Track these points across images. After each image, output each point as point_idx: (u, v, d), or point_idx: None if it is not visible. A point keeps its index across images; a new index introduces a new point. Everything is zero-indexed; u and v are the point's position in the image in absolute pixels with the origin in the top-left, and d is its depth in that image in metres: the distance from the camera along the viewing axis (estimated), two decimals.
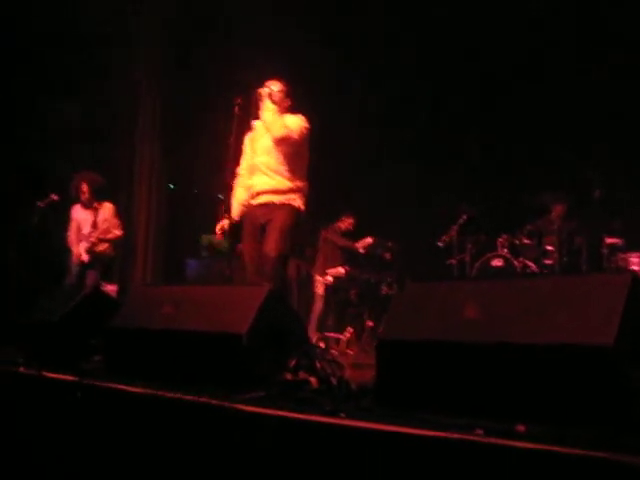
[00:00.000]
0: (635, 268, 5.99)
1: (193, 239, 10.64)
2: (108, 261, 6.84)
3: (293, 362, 2.94)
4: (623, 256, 6.22)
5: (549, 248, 7.15)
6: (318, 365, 2.97)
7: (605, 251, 6.43)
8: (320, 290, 7.83)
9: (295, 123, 4.71)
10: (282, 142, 4.67)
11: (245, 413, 2.43)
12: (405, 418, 2.15)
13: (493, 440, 1.87)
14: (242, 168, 5.01)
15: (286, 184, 4.73)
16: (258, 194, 4.79)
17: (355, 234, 8.21)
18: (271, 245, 4.52)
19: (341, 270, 7.79)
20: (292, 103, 4.88)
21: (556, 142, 7.52)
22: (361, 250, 8.04)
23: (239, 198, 4.95)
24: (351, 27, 8.22)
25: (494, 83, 7.97)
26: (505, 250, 7.23)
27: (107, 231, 6.68)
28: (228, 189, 4.90)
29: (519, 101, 7.72)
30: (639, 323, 2.13)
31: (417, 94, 8.48)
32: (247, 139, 5.01)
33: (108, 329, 3.48)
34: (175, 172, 9.51)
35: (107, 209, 6.76)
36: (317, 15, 8.07)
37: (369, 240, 7.99)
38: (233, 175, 4.93)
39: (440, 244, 7.71)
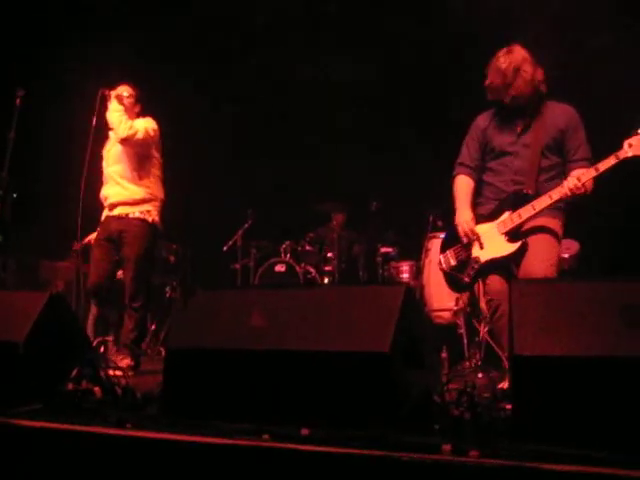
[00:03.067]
0: (405, 276, 6.46)
1: None
2: None
3: (75, 371, 2.84)
4: (395, 265, 6.67)
5: (329, 255, 7.50)
6: (102, 374, 2.89)
7: (380, 259, 6.87)
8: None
9: (140, 124, 4.66)
10: (127, 142, 4.61)
11: (21, 427, 2.31)
12: (193, 426, 2.17)
13: (279, 444, 1.95)
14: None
15: (139, 194, 4.69)
16: (113, 206, 4.74)
17: None
18: (130, 274, 4.69)
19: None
20: (142, 108, 4.84)
21: (338, 154, 7.89)
22: None
23: None
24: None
25: (274, 89, 8.18)
26: (288, 256, 7.46)
27: None
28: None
29: (304, 113, 7.99)
30: (410, 330, 2.34)
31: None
32: (104, 151, 4.93)
33: None
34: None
35: None
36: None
37: None
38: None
39: (225, 249, 7.78)
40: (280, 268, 7.31)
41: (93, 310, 7.51)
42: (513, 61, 3.56)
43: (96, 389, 2.77)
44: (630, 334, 1.98)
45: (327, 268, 7.46)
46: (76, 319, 3.23)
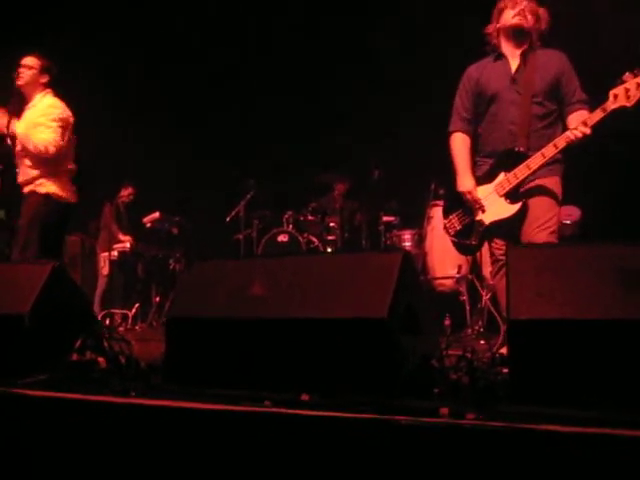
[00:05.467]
0: (407, 244, 6.47)
1: None
2: None
3: (79, 342, 2.87)
4: (398, 233, 6.68)
5: (332, 224, 7.52)
6: (106, 344, 2.93)
7: (382, 228, 6.88)
8: (105, 270, 7.60)
9: (39, 138, 4.48)
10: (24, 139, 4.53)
11: (28, 397, 2.35)
12: (195, 394, 2.21)
13: (280, 410, 1.99)
14: None
15: (33, 171, 4.60)
16: (21, 185, 4.71)
17: (142, 208, 8.06)
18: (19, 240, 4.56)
19: (127, 245, 7.63)
20: (52, 78, 4.69)
21: (339, 125, 7.88)
22: (148, 224, 7.92)
23: None
24: None
25: (274, 65, 8.15)
26: (290, 226, 7.48)
27: None
28: None
29: (305, 84, 7.97)
30: (408, 296, 2.36)
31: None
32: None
33: None
34: None
35: None
36: None
37: (156, 215, 7.89)
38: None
39: (227, 219, 7.80)
40: (283, 238, 7.33)
41: (101, 283, 7.59)
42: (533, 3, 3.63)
43: (100, 359, 2.80)
44: (626, 297, 2.00)
45: (330, 237, 7.48)
46: (79, 290, 3.26)
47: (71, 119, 4.65)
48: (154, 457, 2.10)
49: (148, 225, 7.93)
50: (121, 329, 6.43)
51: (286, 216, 7.57)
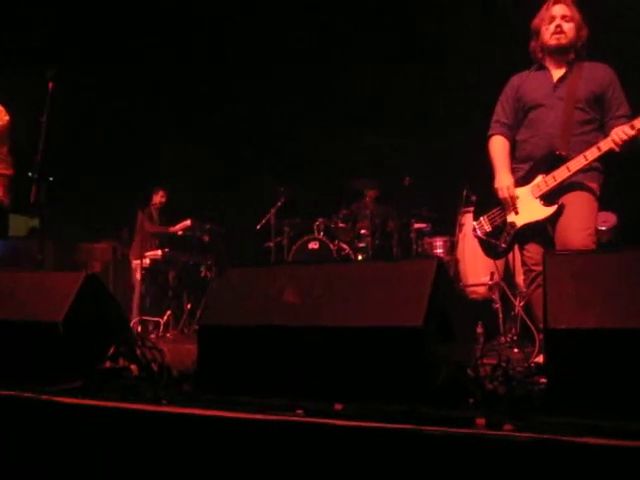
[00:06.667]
0: (439, 251, 6.42)
1: None
2: None
3: (112, 350, 2.88)
4: (429, 240, 6.63)
5: (363, 231, 7.48)
6: (138, 352, 2.93)
7: (413, 235, 6.83)
8: (138, 276, 7.66)
9: None
10: None
11: (61, 404, 2.36)
12: (227, 402, 2.20)
13: (312, 419, 1.96)
14: None
15: None
16: None
17: (173, 214, 8.11)
18: None
19: (158, 252, 7.67)
20: None
21: (370, 131, 7.86)
22: (179, 232, 7.97)
23: None
24: None
25: (304, 70, 8.15)
26: (321, 233, 7.47)
27: None
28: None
29: (337, 90, 7.96)
30: (443, 304, 2.32)
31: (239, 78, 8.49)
32: None
33: None
34: None
35: None
36: None
37: (187, 222, 7.94)
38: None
39: (258, 227, 7.82)
40: (314, 245, 7.32)
41: (137, 291, 7.64)
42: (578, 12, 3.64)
43: (133, 367, 2.81)
44: None
45: (361, 245, 7.44)
46: (112, 298, 3.27)
47: (4, 123, 4.69)
48: (185, 465, 2.09)
49: (180, 233, 7.97)
50: (153, 336, 6.47)
51: (317, 223, 7.56)
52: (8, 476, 2.36)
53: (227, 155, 8.72)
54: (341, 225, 7.60)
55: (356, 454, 1.88)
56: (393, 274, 2.36)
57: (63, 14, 7.89)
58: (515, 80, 3.83)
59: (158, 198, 8.22)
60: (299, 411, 2.04)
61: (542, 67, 3.73)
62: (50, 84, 4.82)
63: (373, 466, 1.84)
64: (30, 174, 4.91)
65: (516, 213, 3.65)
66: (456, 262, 5.98)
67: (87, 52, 7.87)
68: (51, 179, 4.82)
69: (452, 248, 6.19)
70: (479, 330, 5.11)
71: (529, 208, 3.60)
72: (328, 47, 7.91)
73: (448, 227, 6.31)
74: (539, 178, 3.58)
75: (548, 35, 3.63)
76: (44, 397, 2.38)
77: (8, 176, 4.67)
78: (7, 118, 4.63)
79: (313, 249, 7.27)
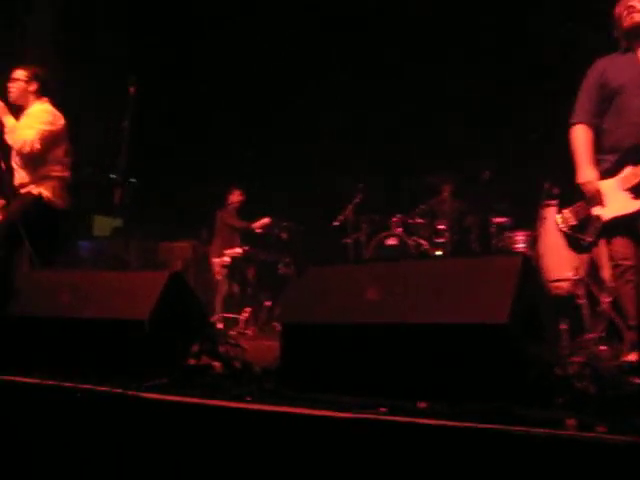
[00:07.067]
0: (520, 246, 6.26)
1: (83, 220, 10.29)
2: None
3: (196, 347, 2.93)
4: (510, 235, 6.47)
5: (441, 227, 7.38)
6: (221, 349, 2.97)
7: (493, 230, 6.69)
8: (220, 275, 7.78)
9: (28, 134, 4.61)
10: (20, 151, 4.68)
11: (148, 400, 2.41)
12: (309, 400, 2.20)
13: (396, 418, 1.94)
14: None
15: (22, 172, 4.75)
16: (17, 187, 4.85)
17: (251, 213, 8.20)
18: None
19: (238, 250, 7.77)
20: (41, 86, 4.81)
21: (446, 124, 7.75)
22: (258, 230, 8.05)
23: None
24: None
25: (388, 65, 8.10)
26: (399, 229, 7.40)
27: None
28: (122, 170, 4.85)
29: (412, 83, 7.88)
30: (529, 301, 2.26)
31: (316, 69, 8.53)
32: None
33: (2, 318, 3.34)
34: None
35: None
36: None
37: (266, 220, 8.01)
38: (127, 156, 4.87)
39: (336, 224, 7.81)
40: (391, 241, 7.27)
41: (220, 289, 7.76)
42: None
43: (216, 364, 2.85)
44: None
45: (439, 240, 7.34)
46: (195, 296, 3.32)
47: (60, 127, 4.75)
48: (269, 461, 2.10)
49: (258, 230, 8.06)
50: (233, 333, 6.56)
51: (394, 219, 7.50)
52: (99, 470, 2.42)
53: (304, 152, 8.75)
54: (419, 221, 7.51)
55: (440, 453, 1.85)
56: (477, 270, 2.31)
57: (140, 21, 8.10)
58: (600, 64, 3.67)
59: (235, 197, 8.32)
60: (382, 409, 2.02)
61: (628, 49, 3.57)
62: (131, 90, 4.94)
63: (458, 466, 1.81)
64: (113, 176, 5.04)
65: (602, 206, 3.51)
66: (538, 257, 5.82)
67: (165, 54, 8.04)
68: (133, 181, 4.94)
69: (534, 243, 6.03)
70: (563, 327, 4.97)
71: (617, 201, 3.46)
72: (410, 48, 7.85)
73: (529, 221, 6.15)
74: (628, 170, 3.43)
75: (623, 18, 3.49)
76: (132, 393, 2.44)
77: (64, 178, 4.79)
78: (63, 122, 4.77)
79: (391, 245, 7.22)
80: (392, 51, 8.00)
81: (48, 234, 4.82)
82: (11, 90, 4.76)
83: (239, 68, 8.63)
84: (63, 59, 8.12)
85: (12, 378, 2.82)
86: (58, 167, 4.76)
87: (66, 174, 4.82)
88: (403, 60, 7.94)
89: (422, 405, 2.04)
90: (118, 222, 9.44)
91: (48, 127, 4.64)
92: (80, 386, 2.58)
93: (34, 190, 4.68)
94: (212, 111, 8.79)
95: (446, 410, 1.94)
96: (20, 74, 4.77)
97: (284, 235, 8.04)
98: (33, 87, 4.76)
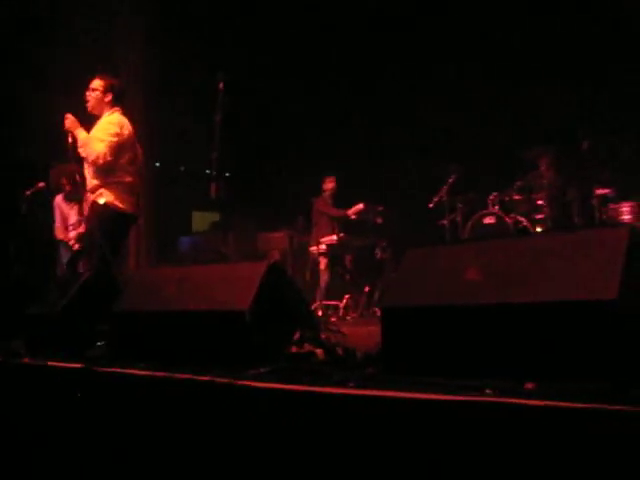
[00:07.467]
0: (626, 218, 6.01)
1: (183, 216, 10.60)
2: None
3: (297, 335, 2.96)
4: (614, 206, 6.22)
5: (540, 202, 7.17)
6: (323, 336, 2.99)
7: (596, 202, 6.44)
8: (322, 265, 7.83)
9: (99, 147, 4.78)
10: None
11: (253, 389, 2.44)
12: (414, 384, 2.17)
13: (503, 399, 1.90)
14: None
15: (94, 181, 4.93)
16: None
17: (346, 200, 8.22)
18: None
19: (334, 237, 7.81)
20: (116, 96, 4.98)
21: (541, 94, 7.49)
22: (353, 216, 8.06)
23: None
24: None
25: (477, 40, 7.92)
26: (496, 207, 7.25)
27: None
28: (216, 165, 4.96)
29: (505, 57, 7.68)
30: (638, 275, 2.15)
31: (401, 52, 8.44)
32: None
33: (112, 314, 3.49)
34: (159, 150, 9.43)
35: None
36: None
37: (360, 206, 8.01)
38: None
39: (431, 205, 7.71)
40: (489, 220, 7.13)
41: (323, 277, 7.83)
42: None
43: (318, 351, 2.86)
44: None
45: (538, 216, 7.14)
46: (294, 285, 3.36)
47: (126, 136, 4.91)
48: (375, 446, 2.10)
49: (353, 217, 8.07)
50: (333, 320, 6.60)
51: (491, 197, 7.35)
52: (210, 457, 2.49)
53: (397, 134, 8.69)
54: (516, 197, 7.33)
55: (549, 436, 1.79)
56: (580, 245, 2.22)
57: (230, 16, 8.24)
58: None
59: (329, 185, 8.35)
60: (488, 391, 1.98)
61: None
62: (221, 85, 5.03)
63: (568, 449, 1.75)
64: (208, 171, 5.16)
65: None
66: None
67: (256, 47, 8.15)
68: (227, 175, 5.03)
69: None
70: None
71: None
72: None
73: (635, 191, 5.88)
74: None
75: None
76: (239, 382, 2.48)
77: (127, 184, 4.96)
78: (129, 130, 4.97)
79: (489, 224, 7.08)
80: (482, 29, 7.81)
81: (119, 237, 5.09)
82: (89, 99, 4.97)
83: (329, 57, 8.66)
84: (157, 58, 8.38)
85: (123, 370, 2.93)
86: (123, 174, 4.96)
87: (131, 180, 5.01)
88: (493, 34, 7.75)
89: (529, 386, 1.99)
90: (215, 216, 9.68)
91: (116, 138, 4.84)
92: (192, 377, 2.66)
93: (102, 197, 4.89)
94: (304, 100, 8.86)
95: (553, 391, 1.88)
96: (97, 84, 4.97)
97: (379, 220, 8.02)
98: (108, 97, 4.97)
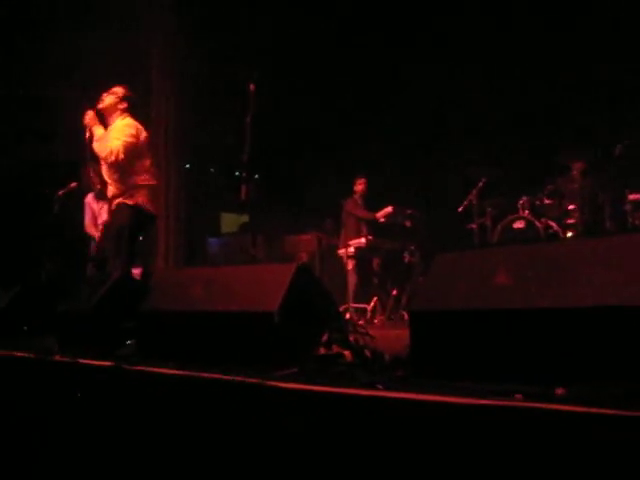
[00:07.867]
0: None
1: (212, 217, 10.66)
2: None
3: (326, 336, 2.96)
4: None
5: (571, 207, 7.08)
6: (351, 338, 2.99)
7: (628, 208, 6.35)
8: (350, 266, 7.82)
9: (115, 144, 4.88)
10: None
11: (281, 390, 2.45)
12: (442, 387, 2.17)
13: (533, 404, 1.88)
14: None
15: (120, 185, 5.03)
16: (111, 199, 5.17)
17: (375, 203, 8.21)
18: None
19: (362, 240, 7.79)
20: (130, 105, 5.11)
21: (574, 99, 7.43)
22: (382, 219, 8.05)
23: None
24: None
25: (509, 43, 7.86)
26: (526, 212, 7.18)
27: None
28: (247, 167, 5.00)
29: (536, 60, 7.62)
30: None
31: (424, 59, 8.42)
32: None
33: (140, 313, 3.52)
34: (189, 152, 9.50)
35: None
36: None
37: (389, 209, 7.99)
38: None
39: (460, 209, 7.67)
40: (519, 225, 7.07)
41: (352, 280, 7.82)
42: None
43: (346, 353, 2.87)
44: None
45: (569, 221, 7.06)
46: (323, 287, 3.37)
47: (143, 139, 5.04)
48: (402, 449, 2.09)
49: (382, 220, 8.05)
50: (361, 323, 6.59)
51: (521, 201, 7.28)
52: (239, 456, 2.50)
53: (428, 139, 8.66)
54: (547, 202, 7.25)
55: (581, 442, 1.77)
56: (611, 250, 2.20)
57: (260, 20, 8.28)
58: None
59: (360, 186, 8.34)
60: (518, 396, 1.97)
61: None
62: (252, 86, 5.06)
63: (601, 456, 1.73)
64: (238, 174, 5.20)
65: None
66: None
67: (288, 47, 8.19)
68: (257, 177, 5.06)
69: None
70: None
71: None
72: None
73: None
74: None
75: None
76: (269, 383, 2.49)
77: (152, 186, 5.10)
78: (145, 135, 5.09)
79: (519, 228, 7.02)
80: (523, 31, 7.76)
81: (144, 237, 5.18)
82: (104, 99, 5.10)
83: (361, 57, 8.66)
84: (189, 59, 8.45)
85: (153, 369, 2.96)
86: (146, 176, 5.08)
87: (154, 182, 5.14)
88: (527, 36, 7.69)
89: (560, 391, 1.97)
90: (244, 218, 9.73)
91: (132, 139, 4.95)
92: (220, 377, 2.67)
93: (128, 200, 4.99)
94: (336, 101, 8.87)
95: (584, 396, 1.86)
96: (117, 89, 5.12)
97: (408, 223, 7.99)
98: (123, 105, 5.10)
